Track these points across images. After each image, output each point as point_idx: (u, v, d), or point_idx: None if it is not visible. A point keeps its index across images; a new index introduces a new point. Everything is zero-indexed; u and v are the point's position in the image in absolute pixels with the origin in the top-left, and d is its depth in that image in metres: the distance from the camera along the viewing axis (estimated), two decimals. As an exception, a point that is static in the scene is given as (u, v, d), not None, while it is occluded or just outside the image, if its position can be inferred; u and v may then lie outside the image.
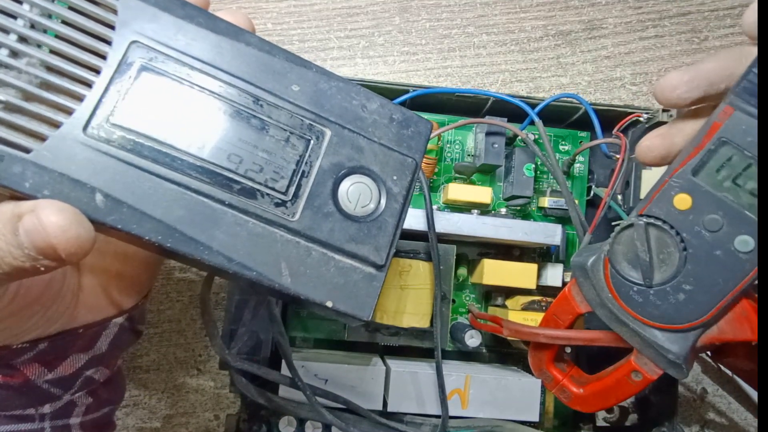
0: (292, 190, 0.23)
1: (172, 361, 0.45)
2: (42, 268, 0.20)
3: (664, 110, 0.41)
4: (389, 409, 0.38)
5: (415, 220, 0.39)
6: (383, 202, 0.24)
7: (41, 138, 0.20)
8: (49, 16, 0.21)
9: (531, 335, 0.34)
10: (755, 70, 0.25)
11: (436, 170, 0.44)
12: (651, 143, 0.30)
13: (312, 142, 0.24)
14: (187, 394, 0.45)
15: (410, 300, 0.39)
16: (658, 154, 0.30)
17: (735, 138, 0.26)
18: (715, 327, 0.28)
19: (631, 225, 0.29)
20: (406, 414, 0.39)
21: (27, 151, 0.20)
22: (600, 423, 0.42)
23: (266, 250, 0.22)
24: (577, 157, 0.44)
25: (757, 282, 0.27)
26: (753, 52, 0.26)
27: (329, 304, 0.23)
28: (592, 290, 0.30)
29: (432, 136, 0.39)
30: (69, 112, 0.21)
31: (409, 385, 0.38)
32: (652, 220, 0.28)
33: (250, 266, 0.22)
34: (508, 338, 0.40)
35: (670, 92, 0.27)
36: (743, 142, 0.26)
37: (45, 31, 0.21)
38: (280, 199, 0.23)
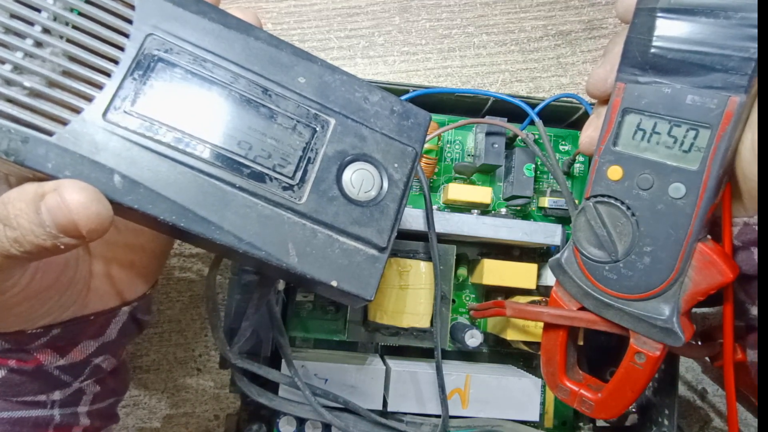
0: (299, 175, 0.26)
1: (172, 361, 0.47)
2: (62, 246, 0.23)
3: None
4: (389, 408, 0.40)
5: (415, 220, 0.41)
6: (385, 187, 0.27)
7: (63, 122, 0.23)
8: (71, 10, 0.24)
9: (534, 314, 0.37)
10: (628, 46, 0.30)
11: (436, 170, 0.46)
12: (590, 135, 0.34)
13: (317, 130, 0.27)
14: (187, 394, 0.47)
15: (410, 300, 0.41)
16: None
17: (634, 105, 0.31)
18: (690, 282, 0.31)
19: (582, 209, 0.33)
20: (406, 414, 0.41)
21: (50, 134, 0.23)
22: (600, 423, 0.44)
23: (274, 230, 0.25)
24: (577, 157, 0.46)
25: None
26: (624, 32, 0.31)
27: (334, 283, 0.25)
28: (573, 283, 0.34)
29: (432, 136, 0.42)
30: (89, 98, 0.24)
31: (409, 384, 0.40)
32: (597, 199, 0.32)
33: (259, 246, 0.25)
34: (509, 339, 0.43)
35: (603, 84, 0.32)
36: (641, 105, 0.30)
37: (67, 24, 0.24)
38: (287, 183, 0.26)
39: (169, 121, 0.24)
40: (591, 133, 0.34)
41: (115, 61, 0.24)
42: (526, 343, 0.42)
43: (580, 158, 0.47)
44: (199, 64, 0.25)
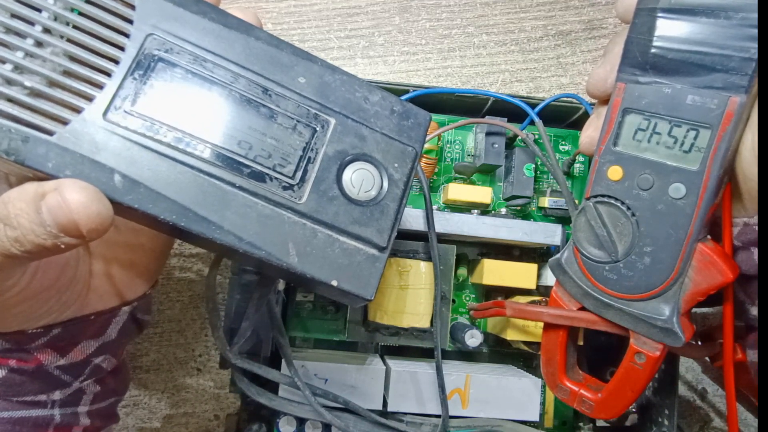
0: (299, 174, 0.26)
1: (172, 361, 0.47)
2: (62, 246, 0.23)
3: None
4: (389, 408, 0.40)
5: (415, 220, 0.41)
6: (385, 187, 0.27)
7: (63, 122, 0.23)
8: (72, 10, 0.24)
9: (534, 314, 0.37)
10: (628, 46, 0.30)
11: (436, 170, 0.46)
12: (591, 135, 0.34)
13: (317, 130, 0.27)
14: (187, 394, 0.47)
15: (410, 300, 0.41)
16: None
17: (635, 105, 0.31)
18: (690, 282, 0.31)
19: (582, 209, 0.33)
20: (406, 414, 0.41)
21: (50, 133, 0.23)
22: (600, 423, 0.44)
23: (274, 230, 0.25)
24: (577, 157, 0.46)
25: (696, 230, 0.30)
26: (624, 32, 0.31)
27: (334, 283, 0.25)
28: (573, 283, 0.34)
29: (432, 136, 0.42)
30: (90, 98, 0.24)
31: (409, 384, 0.40)
32: (597, 199, 0.32)
33: (259, 245, 0.25)
34: (509, 339, 0.43)
35: (603, 84, 0.32)
36: (642, 105, 0.30)
37: (67, 24, 0.24)
38: (287, 183, 0.26)
39: (169, 121, 0.24)
40: (591, 133, 0.34)
41: (116, 61, 0.24)
42: (526, 343, 0.42)
43: (580, 158, 0.47)
44: (199, 63, 0.25)
